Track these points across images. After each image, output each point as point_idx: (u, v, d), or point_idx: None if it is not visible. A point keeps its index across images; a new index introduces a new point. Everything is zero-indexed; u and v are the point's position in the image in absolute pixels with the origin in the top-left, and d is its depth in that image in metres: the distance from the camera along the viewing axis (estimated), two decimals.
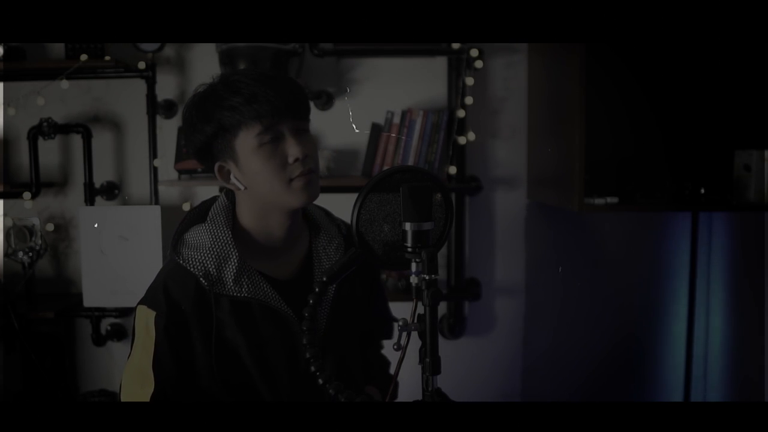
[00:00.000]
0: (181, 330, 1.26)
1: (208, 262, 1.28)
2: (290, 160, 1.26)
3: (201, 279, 1.26)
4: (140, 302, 1.30)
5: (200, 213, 1.36)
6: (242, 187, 1.30)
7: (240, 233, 1.33)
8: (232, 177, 1.30)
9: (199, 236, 1.31)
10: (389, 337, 1.57)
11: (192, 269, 1.27)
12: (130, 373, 1.29)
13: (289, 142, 1.26)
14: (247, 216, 1.33)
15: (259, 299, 1.29)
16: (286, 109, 1.25)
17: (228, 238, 1.30)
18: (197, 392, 1.28)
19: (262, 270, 1.32)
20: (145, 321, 1.27)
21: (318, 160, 1.32)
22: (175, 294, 1.27)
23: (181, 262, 1.28)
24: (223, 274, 1.28)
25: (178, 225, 1.35)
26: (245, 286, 1.28)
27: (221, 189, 2.65)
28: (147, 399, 1.25)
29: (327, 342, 1.33)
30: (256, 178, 1.27)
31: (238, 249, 1.30)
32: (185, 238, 1.33)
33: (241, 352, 1.28)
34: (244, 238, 1.33)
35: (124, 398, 1.29)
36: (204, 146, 1.29)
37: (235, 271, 1.28)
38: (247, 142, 1.25)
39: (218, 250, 1.29)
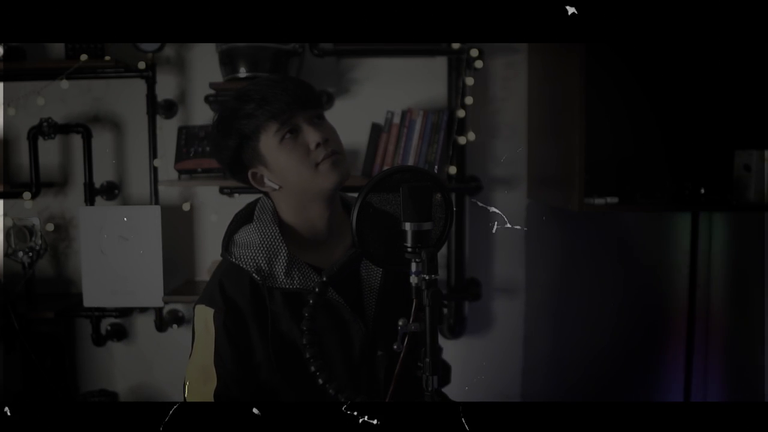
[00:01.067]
0: (239, 325, 1.32)
1: (259, 258, 1.33)
2: (312, 146, 1.32)
3: (254, 274, 1.32)
4: (197, 302, 1.36)
5: (246, 214, 1.43)
6: (277, 187, 1.35)
7: (285, 229, 1.38)
8: (265, 180, 1.36)
9: (248, 235, 1.37)
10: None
11: (245, 266, 1.33)
12: (193, 371, 1.34)
13: (307, 130, 1.32)
14: (287, 213, 1.39)
15: (310, 289, 1.32)
16: (296, 102, 1.31)
17: (276, 234, 1.36)
18: (258, 386, 1.32)
19: (310, 262, 1.37)
20: (204, 319, 1.33)
21: (340, 143, 1.37)
22: (230, 291, 1.33)
23: (234, 260, 1.34)
24: (274, 269, 1.33)
25: (227, 228, 1.41)
26: (296, 278, 1.34)
27: (224, 189, 2.67)
28: (210, 395, 1.30)
29: (377, 329, 1.37)
30: (285, 172, 1.33)
31: (286, 244, 1.35)
32: (235, 238, 1.39)
33: (297, 343, 1.31)
34: (289, 234, 1.38)
35: (189, 397, 1.34)
36: (233, 160, 1.36)
37: (285, 264, 1.33)
38: (269, 142, 1.32)
39: (268, 246, 1.34)
